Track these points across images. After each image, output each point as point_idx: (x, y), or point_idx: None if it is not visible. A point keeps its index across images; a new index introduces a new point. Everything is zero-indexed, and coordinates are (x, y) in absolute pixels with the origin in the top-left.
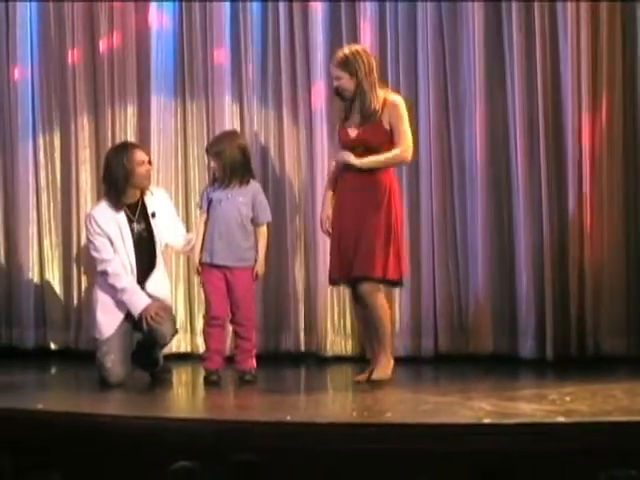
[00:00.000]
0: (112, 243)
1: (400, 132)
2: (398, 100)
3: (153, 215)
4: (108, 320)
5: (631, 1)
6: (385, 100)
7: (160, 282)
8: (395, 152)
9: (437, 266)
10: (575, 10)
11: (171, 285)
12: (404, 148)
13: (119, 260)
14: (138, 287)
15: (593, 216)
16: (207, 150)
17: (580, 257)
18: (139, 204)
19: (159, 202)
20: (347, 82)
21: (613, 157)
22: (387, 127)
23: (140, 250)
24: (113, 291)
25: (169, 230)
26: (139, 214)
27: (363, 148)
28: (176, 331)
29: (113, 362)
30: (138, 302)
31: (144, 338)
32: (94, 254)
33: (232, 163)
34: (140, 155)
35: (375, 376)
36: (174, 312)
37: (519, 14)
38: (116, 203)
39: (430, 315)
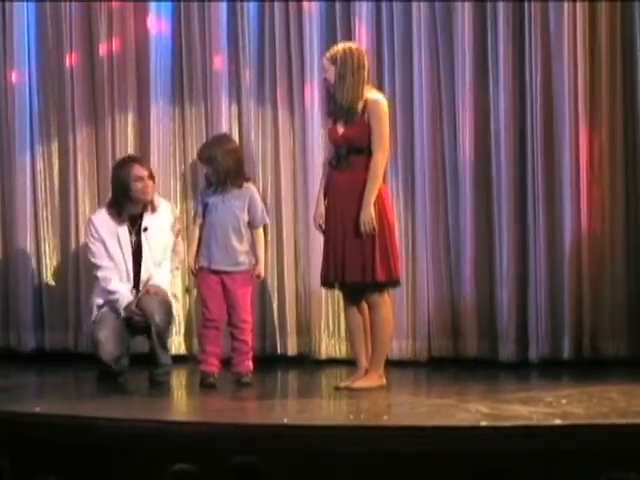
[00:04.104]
0: (107, 249)
1: (377, 134)
2: (378, 99)
3: (145, 229)
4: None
5: (631, 0)
6: (367, 99)
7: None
8: (375, 165)
9: (432, 268)
10: (572, 10)
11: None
12: (381, 154)
13: (114, 267)
14: (127, 292)
15: (591, 217)
16: (199, 156)
17: (577, 260)
18: (141, 216)
19: (158, 222)
20: (332, 74)
21: (611, 158)
22: (368, 125)
23: (136, 261)
24: (106, 294)
25: (157, 253)
26: (138, 226)
27: (347, 148)
28: (168, 313)
29: (106, 337)
30: (123, 302)
31: (143, 329)
32: (90, 258)
33: (224, 168)
34: (138, 170)
35: (357, 385)
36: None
37: (512, 14)
38: (116, 215)
39: (424, 318)
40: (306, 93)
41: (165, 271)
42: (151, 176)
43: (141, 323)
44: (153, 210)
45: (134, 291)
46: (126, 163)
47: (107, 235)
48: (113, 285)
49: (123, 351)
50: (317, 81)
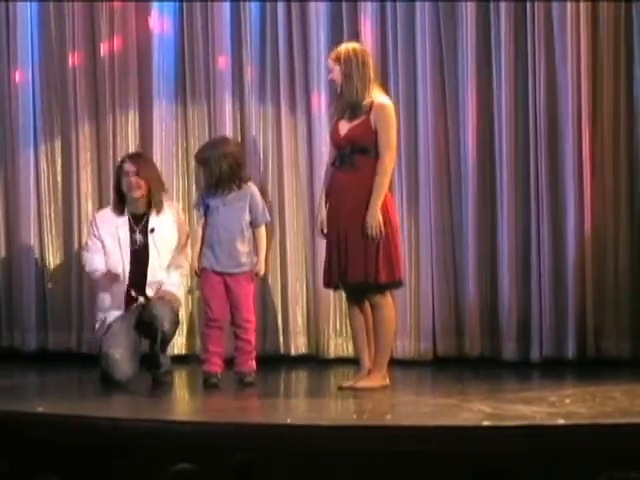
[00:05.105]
0: (104, 247)
1: (385, 138)
2: (384, 103)
3: (152, 230)
4: (104, 318)
5: (632, 0)
6: (373, 101)
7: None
8: (382, 169)
9: (435, 268)
10: (575, 10)
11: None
12: (388, 158)
13: (99, 249)
14: (101, 262)
15: (595, 216)
16: (195, 158)
17: (581, 259)
18: (146, 217)
19: (165, 224)
20: (337, 74)
21: (614, 155)
22: (374, 127)
23: (137, 260)
24: (109, 290)
25: (164, 255)
26: (142, 226)
27: (351, 148)
28: (176, 322)
29: (121, 356)
30: (94, 264)
31: (146, 327)
32: (82, 252)
33: (217, 172)
34: (126, 166)
35: (360, 385)
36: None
37: (515, 14)
38: (117, 212)
39: (428, 318)
40: (310, 93)
41: (176, 275)
42: (140, 173)
43: (147, 319)
44: (158, 212)
45: (141, 299)
46: (122, 159)
47: (106, 233)
48: (95, 264)
49: (136, 368)
50: (321, 81)
